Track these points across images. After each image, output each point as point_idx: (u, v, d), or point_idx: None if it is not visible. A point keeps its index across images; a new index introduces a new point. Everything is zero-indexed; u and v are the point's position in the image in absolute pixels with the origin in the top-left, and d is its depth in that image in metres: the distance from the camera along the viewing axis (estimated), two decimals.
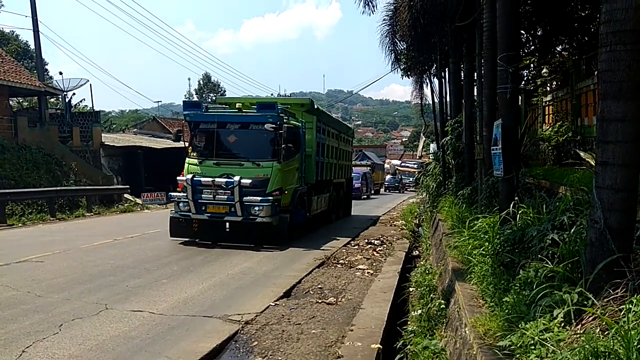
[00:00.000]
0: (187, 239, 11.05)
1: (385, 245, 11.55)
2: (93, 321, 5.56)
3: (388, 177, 43.12)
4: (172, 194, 11.30)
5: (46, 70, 33.80)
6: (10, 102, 23.49)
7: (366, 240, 12.06)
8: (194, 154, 11.18)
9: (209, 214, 10.66)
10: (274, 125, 10.61)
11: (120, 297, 6.54)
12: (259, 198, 10.42)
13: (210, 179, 10.54)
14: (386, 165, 45.11)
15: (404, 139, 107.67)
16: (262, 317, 5.89)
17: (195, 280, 7.54)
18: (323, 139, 13.94)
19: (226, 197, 10.48)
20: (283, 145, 10.78)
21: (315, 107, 13.50)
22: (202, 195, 10.62)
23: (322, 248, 10.83)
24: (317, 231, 13.36)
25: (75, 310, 5.94)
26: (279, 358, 4.70)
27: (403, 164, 46.47)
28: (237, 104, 11.24)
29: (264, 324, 5.67)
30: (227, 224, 10.61)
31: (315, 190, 13.38)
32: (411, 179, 42.86)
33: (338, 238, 12.26)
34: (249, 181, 10.40)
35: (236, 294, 6.90)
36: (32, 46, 27.74)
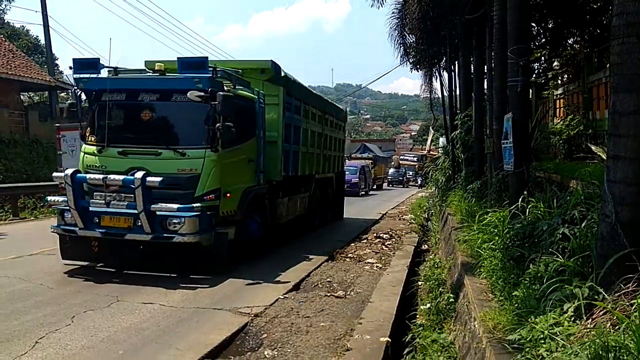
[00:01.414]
0: (85, 263, 7.80)
1: (394, 239, 11.56)
2: (105, 313, 5.63)
3: (391, 170, 41.78)
4: (50, 198, 7.68)
5: (56, 65, 34.06)
6: (22, 97, 23.73)
7: (375, 234, 12.07)
8: (93, 139, 7.74)
9: (102, 230, 7.12)
10: (202, 94, 7.13)
11: (131, 289, 6.62)
12: (177, 206, 6.94)
13: (100, 177, 7.09)
14: (395, 157, 44.49)
15: (413, 133, 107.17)
16: (271, 310, 5.93)
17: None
18: (297, 121, 10.56)
19: (126, 203, 7.03)
20: (218, 125, 7.16)
21: (283, 74, 9.60)
22: (92, 201, 7.17)
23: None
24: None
25: (87, 302, 6.02)
26: (288, 350, 4.74)
27: (402, 157, 45.59)
28: (157, 65, 7.75)
29: (273, 316, 5.71)
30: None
31: (284, 189, 10.12)
32: (411, 173, 42.12)
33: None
34: (158, 180, 6.87)
35: (244, 287, 6.95)
36: (43, 41, 27.94)
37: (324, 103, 13.10)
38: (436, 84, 22.10)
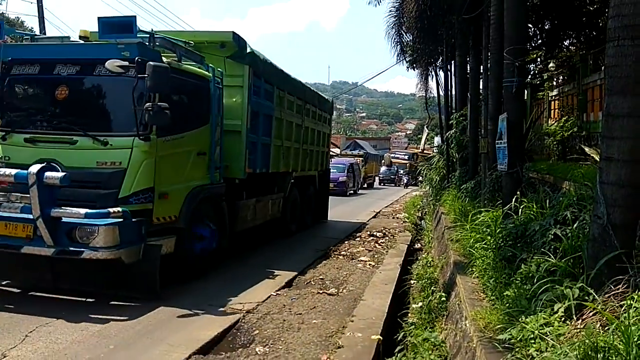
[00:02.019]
0: None
1: (387, 238, 11.57)
2: (96, 307, 5.60)
3: (383, 169, 40.50)
4: None
5: None
6: None
7: (368, 233, 12.08)
8: None
9: None
10: (125, 64, 5.58)
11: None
12: (85, 210, 5.41)
13: None
14: (386, 155, 43.02)
15: (408, 132, 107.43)
16: (263, 307, 5.93)
17: None
18: (268, 108, 9.02)
19: (21, 205, 5.52)
20: (149, 105, 5.61)
21: (249, 50, 8.01)
22: None
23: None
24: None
25: (79, 296, 5.97)
26: (280, 347, 4.74)
27: (394, 155, 44.24)
28: (81, 32, 6.41)
29: (265, 313, 5.70)
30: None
31: (250, 189, 8.66)
32: (401, 172, 40.59)
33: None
34: (60, 176, 5.35)
35: (236, 284, 6.94)
36: (38, 32, 27.71)
37: (304, 90, 11.29)
38: (432, 83, 22.25)
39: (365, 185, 33.26)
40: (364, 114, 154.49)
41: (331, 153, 41.13)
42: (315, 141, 12.39)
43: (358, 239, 11.34)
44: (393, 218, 15.93)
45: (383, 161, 41.72)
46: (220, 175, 7.43)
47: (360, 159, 32.41)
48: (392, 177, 39.08)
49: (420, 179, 39.73)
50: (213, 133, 7.11)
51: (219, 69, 7.37)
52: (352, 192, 26.20)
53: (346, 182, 24.76)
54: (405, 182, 35.92)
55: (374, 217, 16.09)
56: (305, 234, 11.49)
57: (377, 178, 38.60)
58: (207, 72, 7.08)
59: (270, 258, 8.69)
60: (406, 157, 45.16)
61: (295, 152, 10.76)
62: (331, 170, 16.78)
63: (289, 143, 10.31)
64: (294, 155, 10.62)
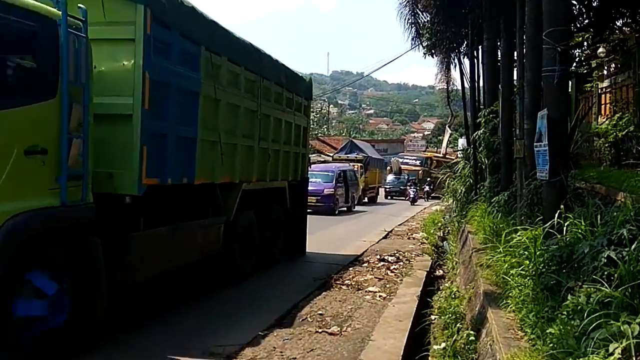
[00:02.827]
0: None
1: (401, 263, 11.58)
2: None
3: (389, 177, 39.55)
4: None
5: None
6: None
7: (378, 257, 12.07)
8: None
9: None
10: None
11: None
12: None
13: None
14: (393, 160, 41.90)
15: (426, 132, 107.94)
16: (248, 350, 5.90)
17: None
18: (190, 80, 7.15)
19: None
20: None
21: None
22: None
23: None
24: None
25: None
26: None
27: (402, 160, 43.57)
28: None
29: (251, 357, 5.68)
30: None
31: (159, 213, 6.86)
32: (415, 181, 37.90)
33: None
34: None
35: (218, 320, 6.92)
36: None
37: (260, 59, 9.38)
38: (455, 73, 22.37)
39: (366, 200, 32.66)
40: (371, 111, 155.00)
41: (322, 158, 39.48)
42: (284, 137, 10.68)
43: (365, 264, 11.34)
44: (408, 239, 15.93)
45: (389, 168, 40.85)
46: (89, 190, 5.43)
47: (359, 165, 31.83)
48: (401, 188, 37.94)
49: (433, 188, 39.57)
50: (64, 115, 5.05)
51: (81, 6, 5.35)
52: (344, 208, 25.21)
53: (334, 196, 23.40)
54: (411, 195, 33.43)
55: (384, 237, 16.11)
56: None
57: (381, 190, 38.05)
58: (52, 9, 5.05)
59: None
60: (417, 162, 44.12)
61: (247, 153, 8.97)
62: (312, 180, 15.54)
63: (234, 139, 8.46)
64: (243, 158, 8.79)
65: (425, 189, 37.39)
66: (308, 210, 13.07)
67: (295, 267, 11.13)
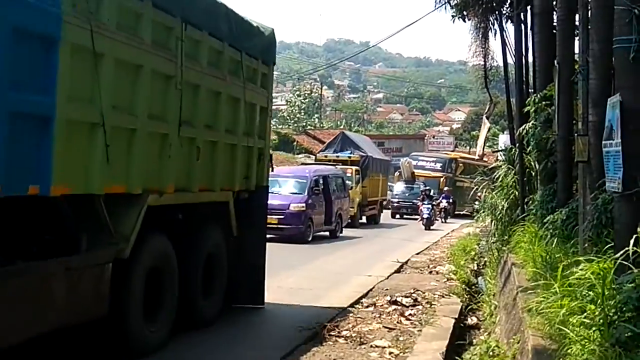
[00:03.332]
0: None
1: (420, 307, 11.54)
2: None
3: (398, 187, 39.02)
4: None
5: None
6: None
7: (388, 298, 12.02)
8: None
9: None
10: None
11: None
12: None
13: None
14: (403, 162, 40.61)
15: (455, 125, 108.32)
16: None
17: None
18: (45, 18, 5.95)
19: None
20: None
21: None
22: None
23: None
24: None
25: None
26: None
27: (416, 162, 42.62)
28: None
29: None
30: None
31: None
32: (432, 192, 36.10)
33: None
34: None
35: None
36: None
37: None
38: (495, 44, 22.40)
39: (364, 220, 32.13)
40: (379, 95, 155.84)
41: (312, 159, 38.48)
42: (227, 122, 9.71)
43: (371, 308, 11.31)
44: (430, 273, 15.95)
45: (398, 173, 40.34)
46: None
47: (353, 169, 30.90)
48: (414, 202, 35.83)
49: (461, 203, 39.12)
50: None
51: None
52: (325, 233, 24.59)
53: (305, 215, 22.34)
54: (425, 215, 31.71)
55: (397, 271, 16.10)
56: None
57: (386, 204, 37.15)
58: None
59: None
60: (438, 165, 43.61)
61: (157, 146, 7.96)
62: (274, 191, 15.38)
63: (132, 121, 7.41)
64: (150, 154, 7.79)
65: (441, 205, 35.98)
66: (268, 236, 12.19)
67: (273, 310, 11.07)
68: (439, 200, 35.77)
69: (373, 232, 28.47)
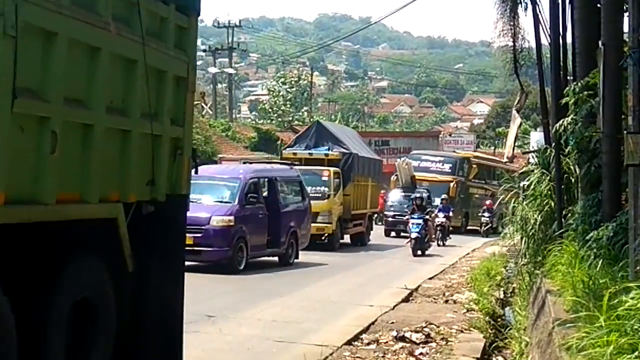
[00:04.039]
0: None
1: (433, 344, 11.53)
2: None
3: (394, 196, 37.67)
4: None
5: None
6: None
7: (394, 334, 12.01)
8: None
9: None
10: None
11: None
12: None
13: None
14: (400, 164, 38.97)
15: (476, 121, 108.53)
16: None
17: None
18: None
19: None
20: None
21: None
22: None
23: None
24: None
25: None
26: None
27: (417, 162, 41.62)
28: None
29: None
30: None
31: None
32: (437, 201, 35.61)
33: None
34: None
35: None
36: None
37: None
38: (526, 21, 22.42)
39: (347, 239, 30.52)
40: (384, 83, 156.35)
41: (281, 162, 32.41)
42: (109, 94, 7.63)
43: (373, 346, 11.31)
44: (446, 302, 15.94)
45: (395, 177, 39.57)
46: None
47: (331, 171, 28.32)
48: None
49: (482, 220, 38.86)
50: None
51: None
52: (268, 256, 22.22)
53: (232, 233, 19.83)
54: (414, 235, 28.17)
55: (405, 300, 16.10)
56: None
57: (378, 218, 36.34)
58: None
59: None
60: (447, 166, 42.83)
61: None
62: (195, 200, 13.95)
63: None
64: None
65: (437, 221, 33.07)
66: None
67: (252, 349, 11.07)
68: (434, 214, 32.61)
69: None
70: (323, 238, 28.06)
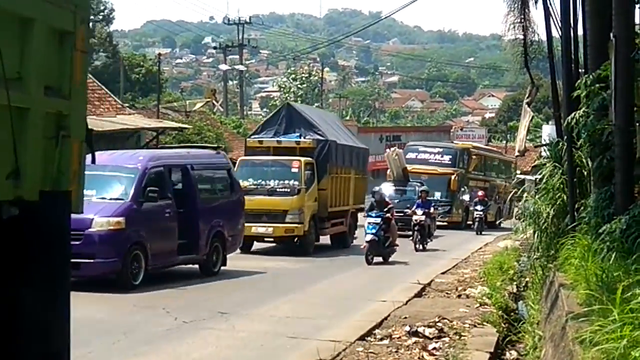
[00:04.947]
0: None
1: (447, 339, 11.54)
2: None
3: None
4: None
5: None
6: None
7: (407, 329, 12.01)
8: None
9: None
10: None
11: None
12: None
13: None
14: (389, 154, 36.63)
15: (488, 115, 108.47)
16: None
17: None
18: None
19: None
20: None
21: None
22: None
23: None
24: None
25: None
26: None
27: (413, 154, 40.24)
28: None
29: None
30: None
31: None
32: (438, 196, 35.22)
33: None
34: None
35: None
36: None
37: None
38: (537, 14, 22.36)
39: (327, 239, 26.06)
40: (394, 78, 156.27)
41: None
42: None
43: (386, 341, 11.32)
44: (459, 297, 15.96)
45: (392, 170, 36.36)
46: None
47: (302, 161, 24.15)
48: (405, 213, 29.07)
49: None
50: None
51: None
52: (183, 264, 18.13)
53: (123, 239, 15.89)
54: (369, 237, 22.38)
55: (418, 295, 16.11)
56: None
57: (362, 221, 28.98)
58: None
59: None
60: (447, 158, 40.91)
61: None
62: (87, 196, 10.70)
63: None
64: None
65: (416, 219, 27.55)
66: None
67: (265, 345, 11.14)
68: (412, 209, 28.41)
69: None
70: (296, 241, 24.24)
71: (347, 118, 72.34)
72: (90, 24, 66.94)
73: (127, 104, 44.08)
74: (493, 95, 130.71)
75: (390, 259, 22.81)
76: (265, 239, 24.44)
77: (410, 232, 27.55)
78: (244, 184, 22.26)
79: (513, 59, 28.89)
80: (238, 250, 21.28)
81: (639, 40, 11.03)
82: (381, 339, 11.47)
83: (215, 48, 72.14)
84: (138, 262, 16.01)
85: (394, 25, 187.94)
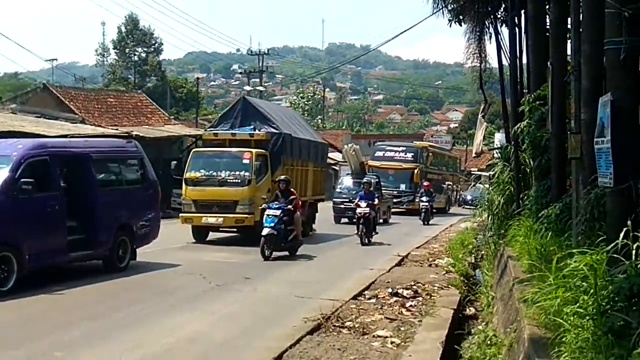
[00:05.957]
0: None
1: (420, 298, 11.61)
2: None
3: (345, 183, 30.34)
4: None
5: None
6: None
7: (389, 290, 12.05)
8: None
9: None
10: None
11: None
12: None
13: None
14: (347, 150, 33.10)
15: (452, 125, 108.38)
16: None
17: None
18: None
19: None
20: None
21: None
22: None
23: None
24: None
25: None
26: None
27: (382, 152, 38.94)
28: None
29: None
30: None
31: None
32: (403, 187, 35.13)
33: None
34: None
35: None
36: None
37: None
38: (490, 47, 22.29)
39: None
40: (380, 97, 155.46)
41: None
42: None
43: (373, 300, 11.35)
44: (430, 266, 15.96)
45: (355, 164, 31.82)
46: None
47: (253, 152, 19.88)
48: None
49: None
50: None
51: None
52: (77, 261, 13.47)
53: None
54: (266, 235, 16.33)
55: (398, 264, 16.11)
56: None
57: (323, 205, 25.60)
58: None
59: None
60: (409, 155, 38.94)
61: None
62: None
63: None
64: None
65: (360, 211, 21.27)
66: None
67: (279, 301, 11.15)
68: (356, 201, 22.40)
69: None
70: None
71: (343, 127, 72.37)
72: (144, 54, 68.01)
73: (172, 117, 44.93)
74: (457, 110, 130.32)
75: (297, 253, 17.46)
76: (220, 229, 20.25)
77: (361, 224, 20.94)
78: (195, 174, 19.63)
79: (472, 81, 28.78)
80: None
81: (569, 67, 11.03)
82: (369, 299, 11.54)
83: (240, 73, 72.07)
84: (7, 265, 11.16)
85: (380, 55, 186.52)
